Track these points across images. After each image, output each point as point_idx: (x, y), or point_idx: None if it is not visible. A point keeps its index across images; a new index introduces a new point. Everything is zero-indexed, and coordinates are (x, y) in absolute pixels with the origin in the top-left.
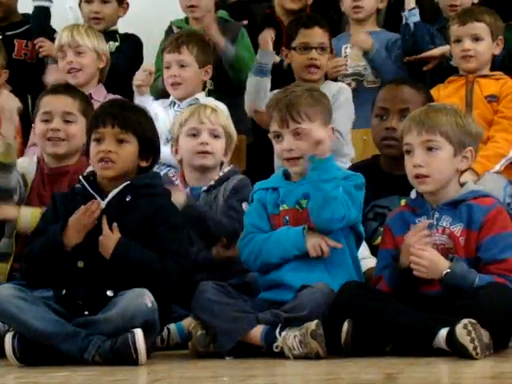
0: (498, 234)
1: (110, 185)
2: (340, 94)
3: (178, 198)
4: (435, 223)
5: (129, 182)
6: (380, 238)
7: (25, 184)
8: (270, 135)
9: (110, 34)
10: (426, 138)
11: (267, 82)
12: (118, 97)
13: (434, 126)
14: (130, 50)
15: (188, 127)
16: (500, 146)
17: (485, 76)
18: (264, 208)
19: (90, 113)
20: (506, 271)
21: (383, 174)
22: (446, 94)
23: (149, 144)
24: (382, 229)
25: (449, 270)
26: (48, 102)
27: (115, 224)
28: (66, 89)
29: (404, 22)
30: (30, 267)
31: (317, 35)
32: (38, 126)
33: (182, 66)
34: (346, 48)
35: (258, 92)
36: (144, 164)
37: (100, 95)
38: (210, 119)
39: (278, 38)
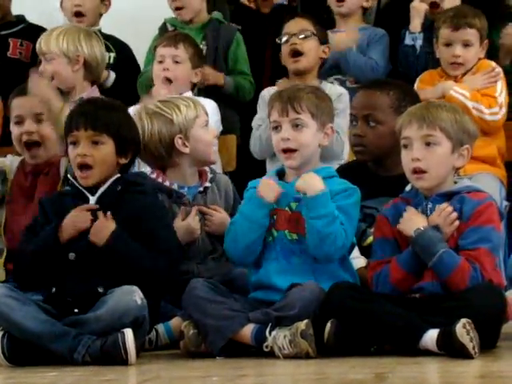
0: (480, 225)
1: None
2: (339, 101)
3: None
4: (428, 213)
5: (119, 175)
6: (370, 238)
7: (4, 179)
8: (270, 127)
9: (105, 46)
10: (427, 132)
11: None
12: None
13: (434, 120)
14: (128, 65)
15: (203, 119)
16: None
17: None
18: None
19: None
20: (473, 258)
21: (370, 176)
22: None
23: (125, 141)
24: (371, 230)
25: (421, 228)
26: (18, 105)
27: (109, 213)
28: None
29: (410, 43)
30: (22, 268)
31: (298, 23)
32: (13, 130)
33: (176, 62)
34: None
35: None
36: (123, 161)
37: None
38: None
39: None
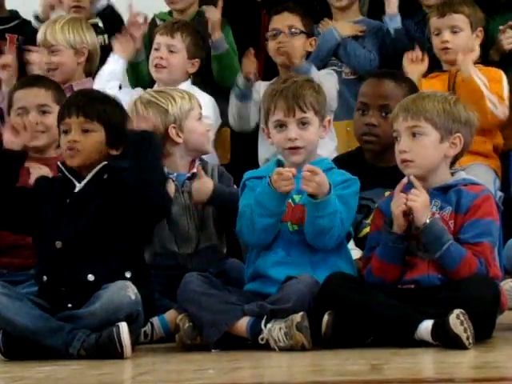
0: (479, 219)
1: (86, 170)
2: (327, 80)
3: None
4: None
5: (105, 163)
6: (365, 230)
7: None
8: (271, 124)
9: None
10: (411, 123)
11: (248, 106)
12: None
13: (418, 112)
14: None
15: (198, 111)
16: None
17: None
18: None
19: (64, 100)
20: (479, 253)
21: (367, 166)
22: (430, 84)
23: (117, 132)
24: (366, 221)
25: (435, 217)
26: (21, 97)
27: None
28: (37, 80)
29: (385, 28)
30: None
31: (285, 19)
32: (15, 121)
33: (172, 51)
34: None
35: (242, 118)
36: (114, 152)
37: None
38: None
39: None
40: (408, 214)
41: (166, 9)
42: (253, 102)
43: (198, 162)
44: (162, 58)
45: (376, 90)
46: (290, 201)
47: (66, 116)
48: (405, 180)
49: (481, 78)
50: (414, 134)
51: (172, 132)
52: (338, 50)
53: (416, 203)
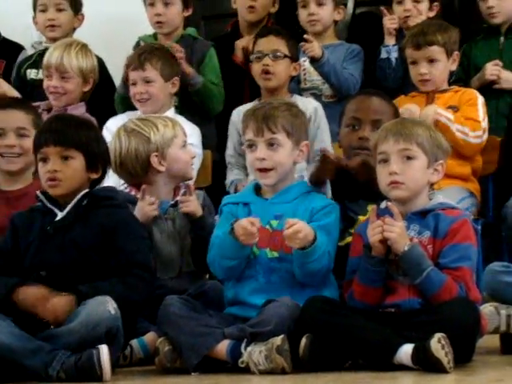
0: (458, 243)
1: (67, 198)
2: (317, 113)
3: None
4: None
5: (87, 190)
6: (348, 238)
7: None
8: (244, 145)
9: None
10: (404, 146)
11: None
12: (87, 115)
13: (411, 135)
14: (102, 80)
15: (181, 139)
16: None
17: (444, 90)
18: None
19: None
20: (459, 278)
21: (351, 180)
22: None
23: (95, 156)
24: (351, 230)
25: (414, 243)
26: (0, 118)
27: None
28: (17, 103)
29: (385, 56)
30: None
31: (270, 43)
32: None
33: (148, 81)
34: (305, 61)
35: None
36: (94, 176)
37: (77, 113)
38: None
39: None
40: (386, 240)
41: (151, 31)
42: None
43: (182, 190)
44: (141, 92)
45: (368, 106)
46: (267, 226)
47: (44, 145)
48: (382, 205)
49: (442, 113)
50: (405, 157)
51: (154, 160)
52: (329, 73)
53: (392, 234)
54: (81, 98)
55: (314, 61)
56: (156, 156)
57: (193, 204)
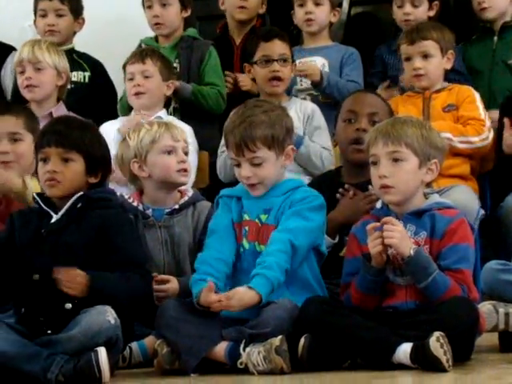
0: (457, 244)
1: (63, 201)
2: (315, 114)
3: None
4: None
5: (82, 193)
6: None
7: None
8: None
9: (78, 64)
10: (392, 149)
11: None
12: (72, 114)
13: (399, 137)
14: (102, 84)
15: (163, 144)
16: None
17: (439, 90)
18: (230, 213)
19: (36, 127)
20: (461, 281)
21: (342, 186)
22: (406, 109)
23: (96, 160)
24: (347, 238)
25: (418, 247)
26: None
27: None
28: (7, 108)
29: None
30: None
31: (277, 47)
32: None
33: (146, 76)
34: (300, 63)
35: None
36: (93, 180)
37: (61, 114)
38: (182, 137)
39: (230, 56)
40: (387, 249)
41: (152, 34)
42: None
43: (186, 198)
44: (138, 85)
45: (364, 100)
46: (256, 220)
47: (45, 145)
48: (378, 204)
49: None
50: (394, 160)
51: (134, 167)
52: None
53: (394, 239)
54: (57, 96)
55: (315, 86)
56: (136, 162)
57: None
